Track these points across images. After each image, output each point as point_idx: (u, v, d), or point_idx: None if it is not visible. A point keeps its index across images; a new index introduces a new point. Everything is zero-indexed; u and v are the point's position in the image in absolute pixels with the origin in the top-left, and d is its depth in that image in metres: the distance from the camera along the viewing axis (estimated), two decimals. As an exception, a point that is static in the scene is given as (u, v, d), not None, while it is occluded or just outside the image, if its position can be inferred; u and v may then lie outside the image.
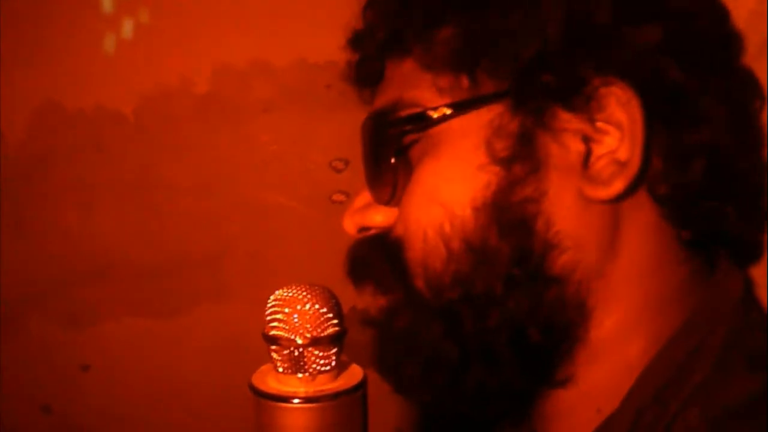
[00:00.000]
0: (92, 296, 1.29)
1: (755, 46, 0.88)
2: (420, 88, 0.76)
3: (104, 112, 1.24)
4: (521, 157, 0.71)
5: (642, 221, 0.73)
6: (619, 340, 0.73)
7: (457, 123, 0.74)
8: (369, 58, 0.83)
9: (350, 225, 0.82)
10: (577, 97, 0.70)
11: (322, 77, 1.20)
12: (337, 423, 0.68)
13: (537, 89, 0.71)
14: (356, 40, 0.85)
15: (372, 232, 0.81)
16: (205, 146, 1.26)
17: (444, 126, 0.74)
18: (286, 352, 0.69)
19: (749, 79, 0.83)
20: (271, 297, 0.71)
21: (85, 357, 1.30)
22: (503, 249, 0.72)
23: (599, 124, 0.71)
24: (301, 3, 1.21)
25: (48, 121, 1.24)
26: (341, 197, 1.24)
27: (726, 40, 0.81)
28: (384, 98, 0.80)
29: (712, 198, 0.74)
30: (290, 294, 0.71)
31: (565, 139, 0.71)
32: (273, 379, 0.70)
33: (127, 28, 1.22)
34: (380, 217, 0.80)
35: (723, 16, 0.80)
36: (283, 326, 0.69)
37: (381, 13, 0.81)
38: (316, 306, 0.70)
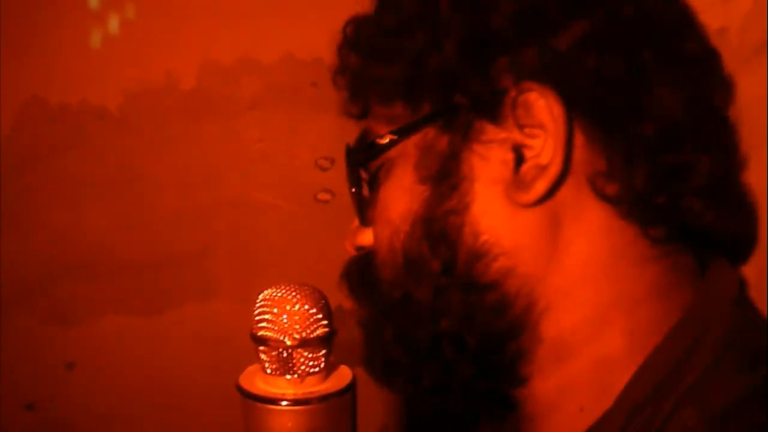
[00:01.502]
0: (77, 292, 1.28)
1: (752, 47, 0.88)
2: (378, 120, 0.79)
3: (90, 108, 1.24)
4: (443, 175, 0.73)
5: (590, 222, 0.73)
6: (587, 338, 0.73)
7: (401, 148, 0.77)
8: (354, 97, 0.86)
9: (348, 245, 0.86)
10: (500, 107, 0.71)
11: (309, 75, 1.20)
12: (325, 425, 0.68)
13: (454, 108, 0.72)
14: (339, 83, 0.87)
15: (366, 251, 0.83)
16: (191, 143, 1.26)
17: (394, 152, 0.77)
18: (274, 353, 0.69)
19: (712, 66, 0.81)
20: (260, 297, 0.71)
21: (70, 354, 1.29)
22: (432, 261, 0.74)
23: (527, 130, 0.71)
24: (288, 0, 1.21)
25: (34, 116, 1.24)
26: (326, 196, 1.24)
27: (671, 28, 0.78)
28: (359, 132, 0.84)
29: (663, 194, 0.73)
30: (279, 294, 0.71)
31: (490, 151, 0.72)
32: (261, 381, 0.70)
33: (114, 24, 1.21)
34: (366, 237, 0.83)
35: (669, 4, 0.79)
36: (272, 327, 0.69)
37: (348, 57, 0.83)
38: (306, 306, 0.70)
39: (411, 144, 0.75)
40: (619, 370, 0.72)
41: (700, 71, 0.79)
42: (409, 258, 0.75)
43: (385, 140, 0.77)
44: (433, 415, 0.90)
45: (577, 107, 0.70)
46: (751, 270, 0.83)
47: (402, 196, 0.76)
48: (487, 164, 0.72)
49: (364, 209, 0.81)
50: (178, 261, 1.28)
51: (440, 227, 0.73)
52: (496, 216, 0.72)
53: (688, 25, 0.80)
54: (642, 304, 0.73)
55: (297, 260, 1.24)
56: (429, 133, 0.74)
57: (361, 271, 0.82)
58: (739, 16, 0.85)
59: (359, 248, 0.84)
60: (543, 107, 0.69)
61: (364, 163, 0.80)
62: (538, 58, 0.70)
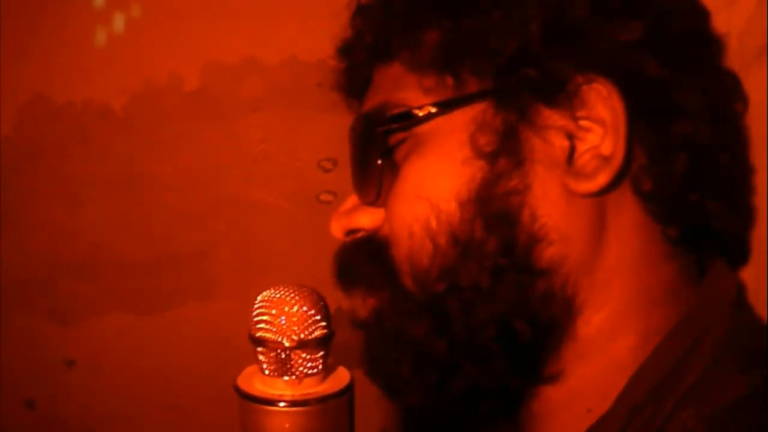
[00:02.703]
0: (78, 291, 1.28)
1: (753, 50, 0.89)
2: (406, 90, 0.77)
3: (93, 107, 1.24)
4: (505, 152, 0.72)
5: (627, 217, 0.74)
6: (607, 337, 0.74)
7: (442, 121, 0.75)
8: (358, 65, 0.84)
9: (337, 228, 0.83)
10: (560, 94, 0.71)
11: (313, 76, 1.20)
12: (323, 427, 0.68)
13: (519, 86, 0.72)
14: (345, 48, 0.85)
15: (359, 234, 0.81)
16: (194, 143, 1.25)
17: (430, 125, 0.75)
18: (272, 354, 0.69)
19: (731, 79, 0.84)
20: (258, 298, 0.71)
21: (70, 352, 1.29)
22: (489, 241, 0.72)
23: (582, 122, 0.72)
24: (292, 1, 1.21)
25: (37, 115, 1.24)
26: (329, 197, 1.24)
27: (706, 39, 0.82)
28: (371, 102, 0.81)
29: (695, 193, 0.74)
30: (278, 295, 0.70)
31: (549, 135, 0.72)
32: (259, 382, 0.70)
33: (118, 23, 1.21)
34: (367, 219, 0.80)
35: (703, 16, 0.81)
36: (270, 328, 0.69)
37: (369, 20, 0.82)
38: (304, 308, 0.69)
39: (460, 117, 0.74)
40: (626, 371, 0.72)
41: (724, 82, 0.81)
42: (457, 238, 0.73)
43: (424, 111, 0.75)
44: (431, 418, 0.89)
45: (631, 103, 0.71)
46: (750, 273, 0.83)
47: (447, 171, 0.74)
48: (548, 147, 0.72)
49: (379, 186, 0.78)
50: (179, 261, 1.27)
51: (498, 206, 0.72)
52: (553, 201, 0.72)
53: (715, 41, 0.83)
54: (657, 305, 0.74)
55: (298, 261, 1.24)
56: (487, 108, 0.73)
57: (373, 258, 0.79)
58: (740, 20, 0.86)
59: (352, 231, 0.82)
60: (606, 102, 0.70)
61: (389, 133, 0.77)
62: (604, 52, 0.71)
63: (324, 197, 1.24)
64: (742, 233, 0.86)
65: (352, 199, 0.83)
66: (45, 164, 1.25)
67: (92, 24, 1.22)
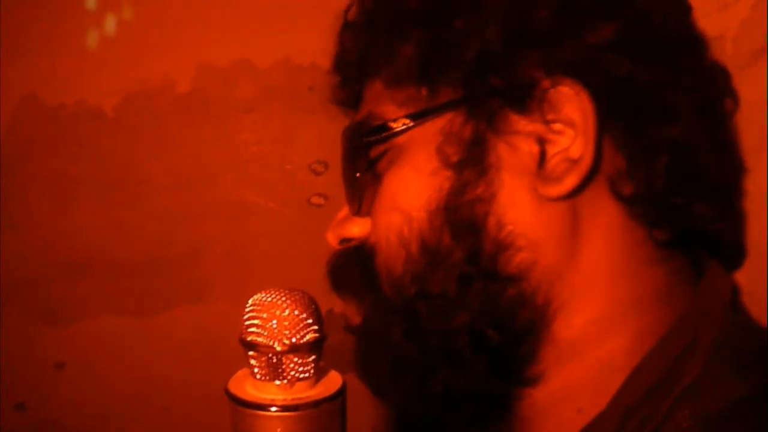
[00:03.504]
0: (69, 293, 1.27)
1: (748, 54, 0.89)
2: (385, 103, 0.79)
3: (86, 108, 1.23)
4: (471, 161, 0.73)
5: (605, 221, 0.74)
6: (593, 340, 0.74)
7: (416, 133, 0.76)
8: (350, 81, 0.85)
9: (332, 237, 0.84)
10: (529, 99, 0.72)
11: (305, 79, 1.20)
12: (315, 431, 0.68)
13: (485, 94, 0.72)
14: (336, 65, 0.86)
15: (353, 243, 0.82)
16: (186, 145, 1.25)
17: (405, 136, 0.77)
18: (264, 358, 0.69)
19: (719, 77, 0.84)
20: (249, 301, 0.71)
21: (61, 354, 1.29)
22: (455, 249, 0.73)
23: (554, 126, 0.72)
24: (285, 4, 1.21)
25: (29, 115, 1.23)
26: (320, 200, 1.24)
27: (687, 37, 0.81)
28: (358, 115, 0.83)
29: (679, 195, 0.74)
30: (269, 299, 0.70)
31: (518, 142, 0.72)
32: (250, 386, 0.70)
33: (111, 24, 1.21)
34: (357, 228, 0.82)
35: (684, 14, 0.81)
36: (261, 332, 0.69)
37: (353, 37, 0.83)
38: (296, 312, 0.69)
39: (431, 128, 0.75)
40: (619, 372, 0.72)
41: (710, 81, 0.81)
42: (427, 246, 0.74)
43: (399, 124, 0.76)
44: (422, 422, 0.89)
45: (602, 105, 0.71)
46: (747, 275, 0.83)
47: (417, 181, 0.75)
48: (515, 154, 0.72)
49: (363, 197, 0.80)
50: (171, 262, 1.27)
51: (464, 215, 0.73)
52: (521, 208, 0.72)
53: (698, 38, 0.83)
54: (647, 307, 0.74)
55: (289, 264, 1.24)
56: (455, 118, 0.74)
57: (360, 266, 0.81)
58: (736, 23, 0.86)
59: (345, 240, 0.83)
60: (575, 103, 0.70)
61: (371, 145, 0.79)
62: (571, 54, 0.71)
63: (315, 200, 1.24)
64: (735, 235, 0.86)
65: (347, 208, 0.84)
66: (37, 165, 1.25)
67: (85, 25, 1.21)
